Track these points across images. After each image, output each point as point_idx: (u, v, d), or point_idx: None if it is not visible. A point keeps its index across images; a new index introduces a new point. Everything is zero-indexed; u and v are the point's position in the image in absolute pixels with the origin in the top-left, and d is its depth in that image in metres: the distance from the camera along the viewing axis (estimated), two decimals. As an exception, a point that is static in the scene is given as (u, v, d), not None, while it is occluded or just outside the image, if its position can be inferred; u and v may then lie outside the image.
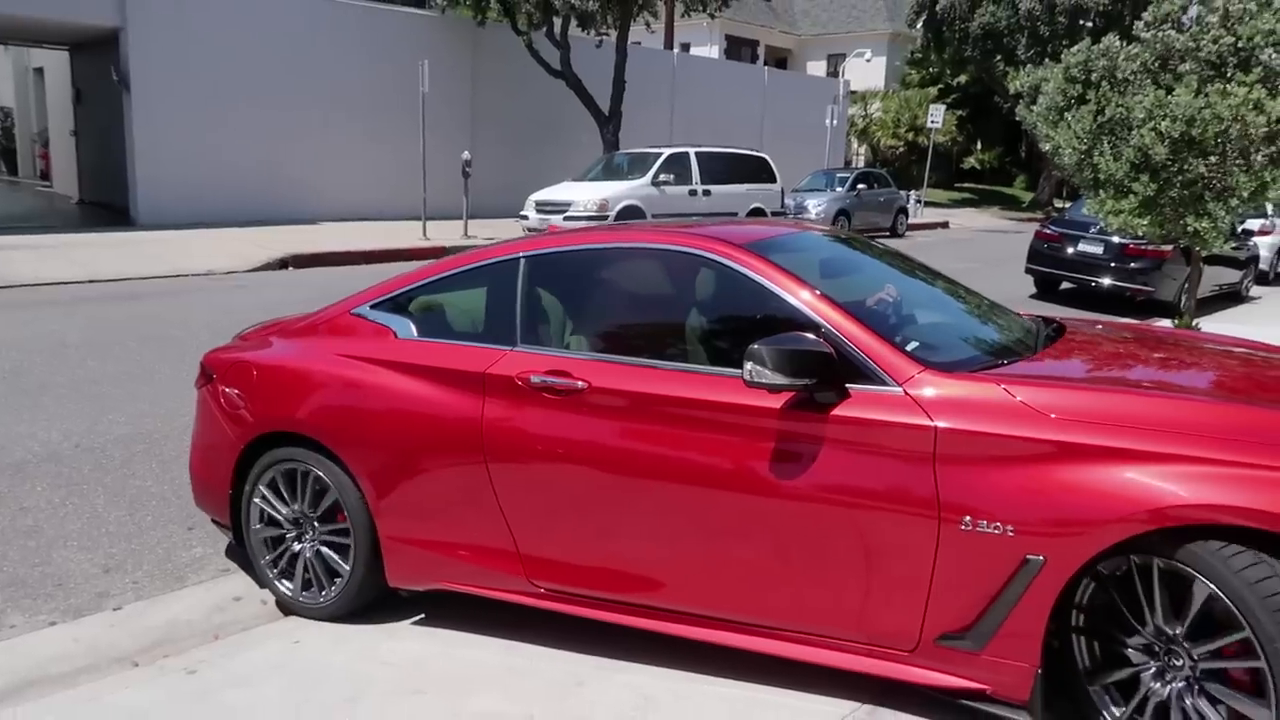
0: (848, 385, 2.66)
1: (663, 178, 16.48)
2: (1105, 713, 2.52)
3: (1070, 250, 12.12)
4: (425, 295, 3.56)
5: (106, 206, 18.33)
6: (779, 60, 41.82)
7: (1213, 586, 2.24)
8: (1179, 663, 2.39)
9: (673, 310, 3.36)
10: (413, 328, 3.46)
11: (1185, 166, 6.48)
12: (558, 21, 20.08)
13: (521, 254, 3.37)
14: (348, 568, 3.40)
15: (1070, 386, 2.69)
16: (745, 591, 2.82)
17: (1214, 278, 11.81)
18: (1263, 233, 14.57)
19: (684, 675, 2.96)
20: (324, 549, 3.46)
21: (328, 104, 18.37)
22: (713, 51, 37.21)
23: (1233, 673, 2.31)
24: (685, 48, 34.50)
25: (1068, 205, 17.08)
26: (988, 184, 39.50)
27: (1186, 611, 2.34)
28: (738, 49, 40.19)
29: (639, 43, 24.92)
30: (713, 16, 23.02)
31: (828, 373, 2.61)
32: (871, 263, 3.70)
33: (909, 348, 2.77)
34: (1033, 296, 12.48)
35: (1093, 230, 11.50)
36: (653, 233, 3.36)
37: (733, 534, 2.78)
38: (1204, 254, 7.57)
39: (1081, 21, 28.21)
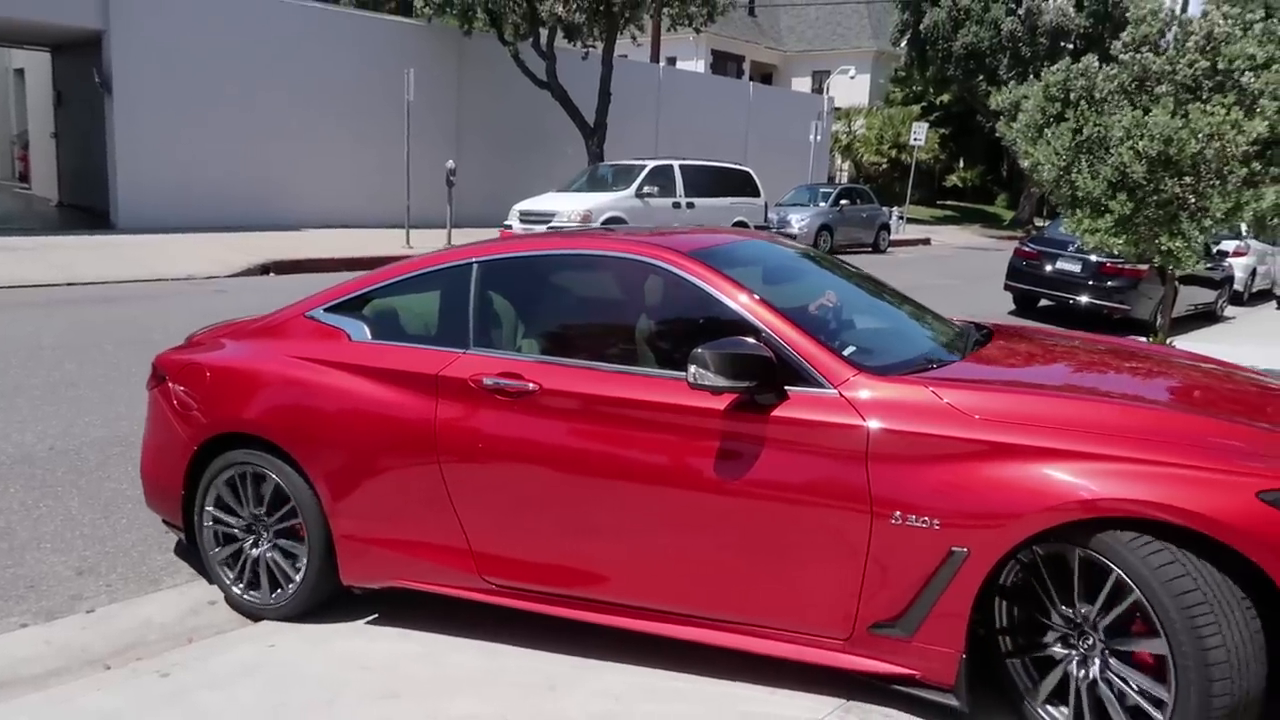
0: (786, 387, 2.78)
1: (647, 190, 16.54)
2: (1034, 705, 2.66)
3: (1048, 268, 12.25)
4: (379, 299, 3.62)
5: (86, 210, 18.18)
6: (764, 76, 42.07)
7: (1120, 571, 2.41)
8: (1090, 643, 2.56)
9: (621, 315, 3.49)
10: (366, 330, 3.52)
11: (1161, 186, 6.56)
12: (544, 32, 20.15)
13: (474, 259, 3.45)
14: (301, 568, 3.42)
15: (993, 389, 2.86)
16: (689, 585, 2.93)
17: (1189, 297, 11.97)
18: (1237, 254, 14.77)
19: (659, 674, 2.98)
20: (278, 549, 3.49)
21: (312, 110, 18.32)
22: (699, 66, 37.38)
23: (1140, 648, 2.47)
24: (671, 61, 34.66)
25: (1047, 224, 17.26)
26: (969, 202, 39.84)
27: (1096, 596, 2.50)
28: (723, 64, 40.39)
29: (625, 55, 25.03)
30: (698, 31, 23.13)
31: (767, 375, 2.73)
32: (813, 270, 3.85)
33: (845, 352, 2.91)
34: (1011, 313, 12.59)
35: (1071, 248, 11.62)
36: (602, 240, 3.52)
37: (677, 530, 2.89)
38: (1179, 274, 7.67)
39: (1062, 43, 28.57)
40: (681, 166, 17.47)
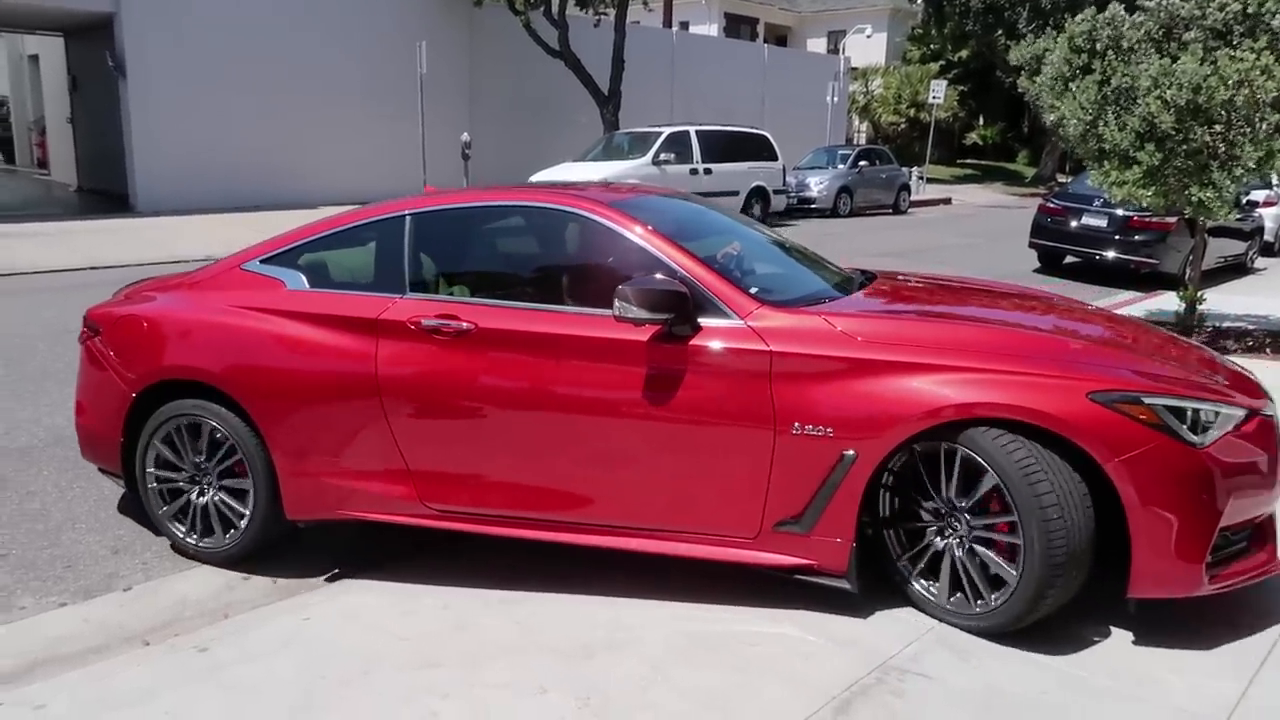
0: (700, 320, 3.14)
1: (663, 157, 16.41)
2: (913, 582, 3.15)
3: (1074, 223, 12.04)
4: (313, 251, 3.77)
5: (105, 194, 18.28)
6: (779, 38, 41.53)
7: (981, 460, 2.89)
8: (956, 522, 3.03)
9: (548, 260, 3.84)
10: (303, 279, 3.69)
11: (1190, 135, 6.43)
12: (555, 1, 19.93)
13: (407, 211, 3.68)
14: (248, 509, 3.55)
15: (875, 316, 3.34)
16: (617, 499, 3.25)
17: (1219, 249, 11.75)
18: (1267, 204, 14.45)
19: (697, 629, 3.01)
20: (224, 492, 3.61)
21: (325, 87, 18.27)
22: (712, 29, 36.94)
23: (997, 524, 2.95)
24: (684, 26, 34.27)
25: (1070, 180, 16.98)
26: (990, 160, 39.28)
27: (962, 482, 2.98)
28: (737, 27, 39.87)
29: (637, 21, 24.76)
30: (711, -6, 22.85)
31: (683, 309, 3.08)
32: (721, 221, 4.27)
33: (751, 290, 3.27)
34: (1036, 271, 12.42)
35: (1096, 203, 11.43)
36: (529, 192, 3.86)
37: (605, 450, 3.21)
38: (1208, 225, 7.53)
39: (1083, -6, 27.96)
40: (698, 132, 17.31)
